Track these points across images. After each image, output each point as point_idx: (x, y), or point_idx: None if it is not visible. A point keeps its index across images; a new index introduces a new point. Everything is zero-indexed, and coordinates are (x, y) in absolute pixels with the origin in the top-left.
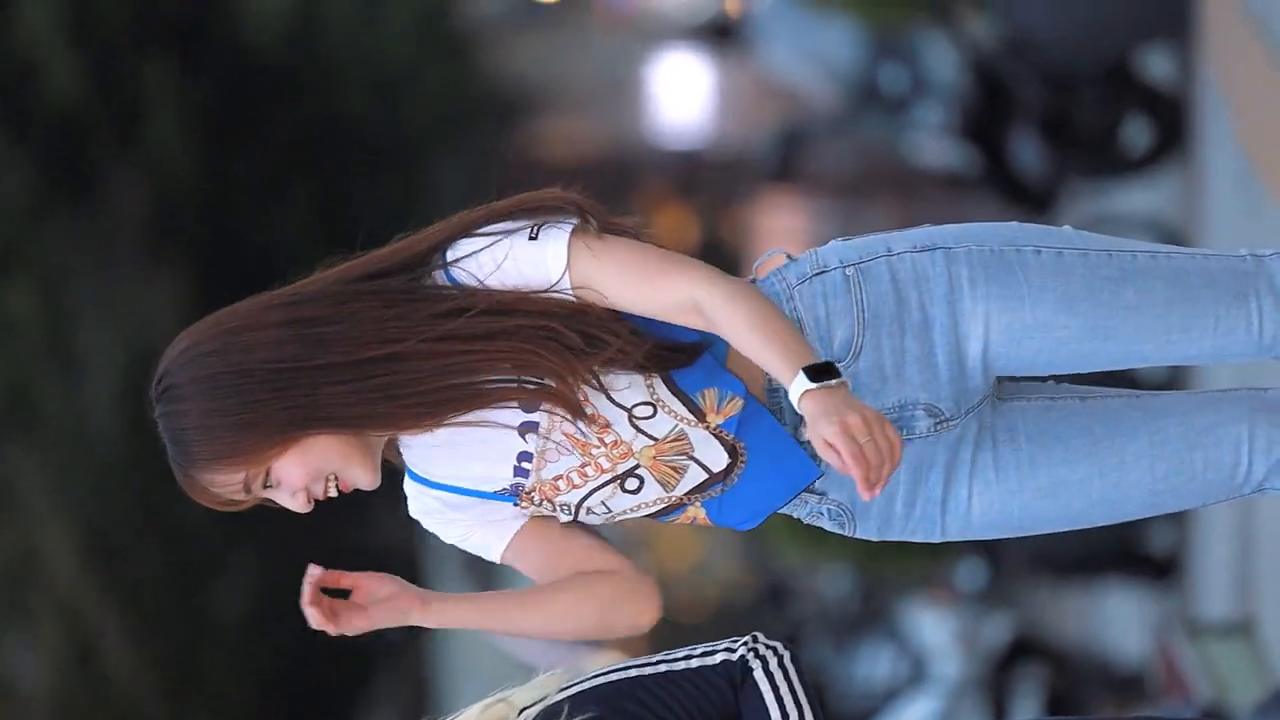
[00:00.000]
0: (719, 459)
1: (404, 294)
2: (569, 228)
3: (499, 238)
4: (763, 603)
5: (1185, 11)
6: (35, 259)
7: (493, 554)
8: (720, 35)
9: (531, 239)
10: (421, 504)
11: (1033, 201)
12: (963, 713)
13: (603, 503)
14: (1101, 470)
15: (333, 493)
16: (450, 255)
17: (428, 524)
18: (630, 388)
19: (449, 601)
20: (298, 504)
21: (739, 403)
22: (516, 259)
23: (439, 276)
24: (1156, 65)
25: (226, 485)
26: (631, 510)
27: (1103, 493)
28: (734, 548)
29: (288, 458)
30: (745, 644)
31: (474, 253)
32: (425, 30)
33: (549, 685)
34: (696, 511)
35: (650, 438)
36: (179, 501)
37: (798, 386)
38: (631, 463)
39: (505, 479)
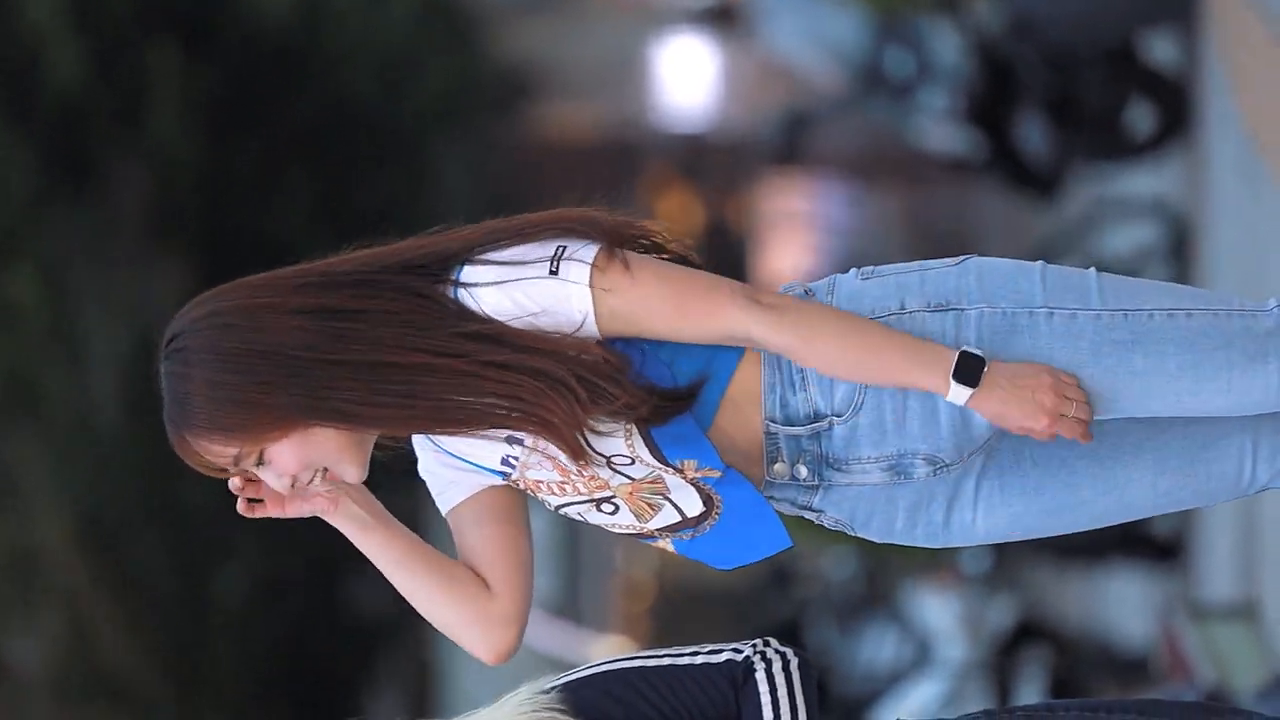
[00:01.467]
0: (694, 505)
1: (429, 303)
2: (589, 263)
3: (516, 273)
4: (766, 585)
5: None
6: (37, 247)
7: (444, 504)
8: (725, 18)
9: (552, 273)
10: (420, 441)
11: (1037, 185)
12: (967, 695)
13: (579, 514)
14: (1105, 490)
15: (318, 483)
16: (464, 277)
17: (419, 452)
18: (610, 442)
19: (363, 517)
20: (281, 486)
21: (717, 474)
22: (537, 298)
23: (449, 292)
24: (1160, 48)
25: (218, 455)
26: (606, 526)
27: (1105, 508)
28: None
29: (285, 443)
30: (754, 646)
31: (486, 284)
32: (430, 15)
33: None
34: (666, 545)
35: (627, 478)
36: (181, 489)
37: (957, 397)
38: (608, 493)
39: (495, 465)
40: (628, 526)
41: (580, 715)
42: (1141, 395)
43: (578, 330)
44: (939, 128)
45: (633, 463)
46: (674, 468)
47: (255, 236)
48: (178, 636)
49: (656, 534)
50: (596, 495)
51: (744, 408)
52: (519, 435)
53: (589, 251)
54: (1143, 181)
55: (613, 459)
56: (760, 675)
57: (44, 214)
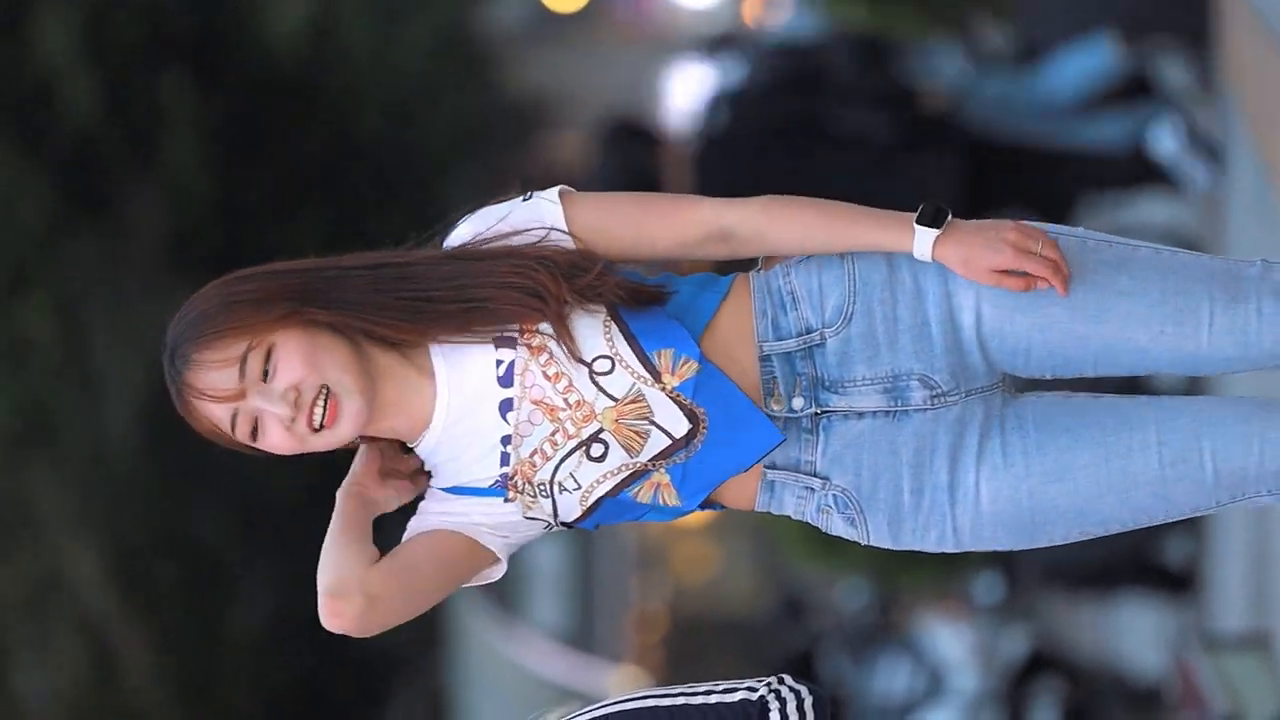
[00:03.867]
0: (679, 425)
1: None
2: (556, 187)
3: (488, 207)
4: (779, 616)
5: (1201, 18)
6: (52, 278)
7: (414, 525)
8: (732, 45)
9: (525, 201)
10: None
11: (1051, 211)
12: None
13: (571, 474)
14: (1108, 455)
15: (319, 412)
16: (446, 240)
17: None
18: (590, 338)
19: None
20: (285, 405)
21: (694, 366)
22: (510, 220)
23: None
24: (1172, 74)
25: (224, 357)
26: (599, 481)
27: (1110, 479)
28: (750, 560)
29: (293, 338)
30: (768, 684)
31: (462, 223)
32: (442, 46)
33: None
34: (660, 477)
35: (610, 397)
36: (197, 517)
37: (923, 242)
38: (595, 426)
39: (494, 468)
40: (620, 468)
41: None
42: (1126, 317)
43: (548, 236)
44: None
45: (613, 369)
46: (651, 368)
47: None
48: (193, 667)
49: (650, 466)
50: (585, 433)
51: (735, 339)
52: (507, 395)
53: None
54: (1156, 207)
55: (594, 364)
56: (775, 714)
57: (58, 245)
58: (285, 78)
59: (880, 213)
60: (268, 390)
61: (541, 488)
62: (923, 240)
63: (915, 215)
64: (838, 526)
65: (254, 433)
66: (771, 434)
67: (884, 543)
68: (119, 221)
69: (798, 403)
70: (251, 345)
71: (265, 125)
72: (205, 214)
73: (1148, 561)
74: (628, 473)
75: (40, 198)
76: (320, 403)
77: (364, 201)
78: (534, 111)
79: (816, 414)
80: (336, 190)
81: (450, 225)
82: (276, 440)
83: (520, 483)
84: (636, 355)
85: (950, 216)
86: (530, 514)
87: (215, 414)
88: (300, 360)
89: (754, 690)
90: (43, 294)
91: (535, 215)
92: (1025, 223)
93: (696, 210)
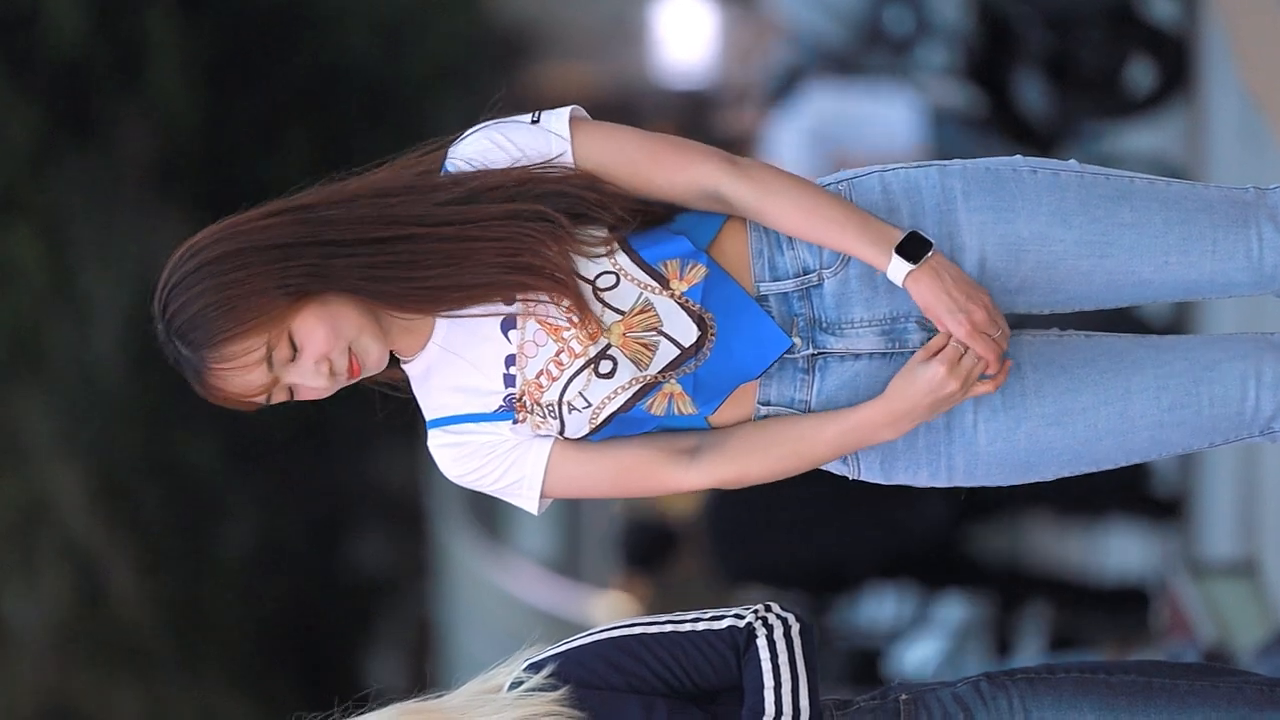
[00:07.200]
0: (688, 332)
1: (404, 186)
2: (568, 110)
3: (496, 120)
4: None
5: None
6: (39, 203)
7: (530, 490)
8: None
9: (533, 123)
10: (445, 453)
11: (1037, 143)
12: (967, 654)
13: (580, 393)
14: (1107, 399)
15: (346, 371)
16: (450, 151)
17: (460, 471)
18: (592, 258)
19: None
20: (320, 375)
21: (702, 270)
22: (517, 143)
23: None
24: (1160, 6)
25: (248, 361)
26: (609, 398)
27: (1109, 423)
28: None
29: (309, 316)
30: (755, 611)
31: (470, 135)
32: None
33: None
34: (673, 388)
35: (617, 311)
36: (184, 443)
37: (897, 269)
38: (603, 343)
39: (497, 391)
40: (630, 382)
41: (581, 684)
42: (1130, 250)
43: (555, 159)
44: (938, 85)
45: (618, 283)
46: (659, 275)
47: (255, 193)
48: (180, 591)
49: (661, 379)
50: (593, 351)
51: (733, 272)
52: (510, 311)
53: (569, 107)
54: (1142, 139)
55: (597, 281)
56: (761, 641)
57: (46, 170)
58: (271, 3)
59: (868, 223)
60: (300, 368)
61: (550, 408)
62: (896, 269)
63: (898, 239)
64: (831, 464)
65: (289, 391)
66: (780, 340)
67: (875, 479)
68: (106, 146)
69: (795, 342)
70: (271, 339)
71: (252, 50)
72: (192, 138)
73: (1136, 488)
74: (638, 386)
75: (27, 122)
76: (346, 361)
77: (350, 127)
78: (521, 40)
79: (813, 355)
80: (323, 116)
81: (457, 137)
82: (312, 395)
83: (529, 403)
84: (641, 267)
85: (930, 251)
86: (540, 432)
87: (248, 399)
88: (324, 335)
89: (740, 618)
90: (29, 218)
91: (542, 146)
92: (995, 309)
93: (699, 170)
